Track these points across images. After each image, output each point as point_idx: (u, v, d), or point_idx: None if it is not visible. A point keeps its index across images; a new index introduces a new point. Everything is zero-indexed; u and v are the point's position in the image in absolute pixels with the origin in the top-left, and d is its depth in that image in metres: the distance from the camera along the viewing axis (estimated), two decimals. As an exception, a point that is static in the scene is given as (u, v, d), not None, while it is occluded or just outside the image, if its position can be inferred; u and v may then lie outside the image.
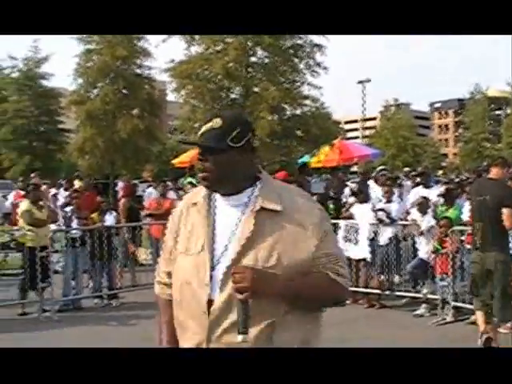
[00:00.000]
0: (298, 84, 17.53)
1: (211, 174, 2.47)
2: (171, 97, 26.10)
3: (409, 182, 14.70)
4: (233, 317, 2.33)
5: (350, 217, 10.63)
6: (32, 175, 17.23)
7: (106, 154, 22.78)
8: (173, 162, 26.88)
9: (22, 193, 14.66)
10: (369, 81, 59.82)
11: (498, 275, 7.34)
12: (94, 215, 11.10)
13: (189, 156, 22.94)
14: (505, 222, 7.26)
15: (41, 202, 10.51)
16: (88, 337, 8.84)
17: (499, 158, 8.05)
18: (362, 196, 10.75)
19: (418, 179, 12.59)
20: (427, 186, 11.20)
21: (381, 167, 17.00)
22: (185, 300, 2.48)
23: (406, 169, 18.07)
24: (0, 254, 9.83)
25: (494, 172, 7.58)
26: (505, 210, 7.26)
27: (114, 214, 11.74)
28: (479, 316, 7.63)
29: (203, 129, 2.48)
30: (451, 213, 9.63)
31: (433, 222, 9.61)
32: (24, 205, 10.55)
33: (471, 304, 8.82)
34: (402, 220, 10.38)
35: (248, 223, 2.43)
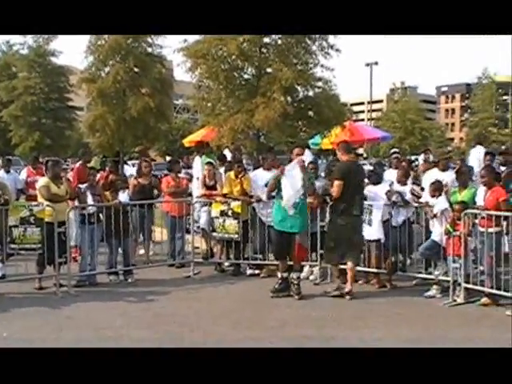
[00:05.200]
0: (311, 65, 17.44)
1: None
2: (178, 76, 26.17)
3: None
4: None
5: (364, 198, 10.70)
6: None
7: (117, 132, 22.72)
8: (183, 141, 26.98)
9: (34, 170, 14.74)
10: (376, 63, 59.69)
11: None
12: (107, 193, 11.18)
13: (199, 135, 23.03)
14: None
15: (60, 178, 10.65)
16: (104, 312, 9.02)
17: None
18: (376, 177, 10.82)
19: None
20: (442, 170, 11.11)
21: (393, 150, 17.09)
22: None
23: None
24: (19, 228, 9.93)
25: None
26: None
27: (128, 191, 11.86)
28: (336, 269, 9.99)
29: None
30: (465, 194, 9.72)
31: (446, 205, 9.68)
32: (42, 180, 10.68)
33: (482, 286, 9.01)
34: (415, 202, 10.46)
35: None
